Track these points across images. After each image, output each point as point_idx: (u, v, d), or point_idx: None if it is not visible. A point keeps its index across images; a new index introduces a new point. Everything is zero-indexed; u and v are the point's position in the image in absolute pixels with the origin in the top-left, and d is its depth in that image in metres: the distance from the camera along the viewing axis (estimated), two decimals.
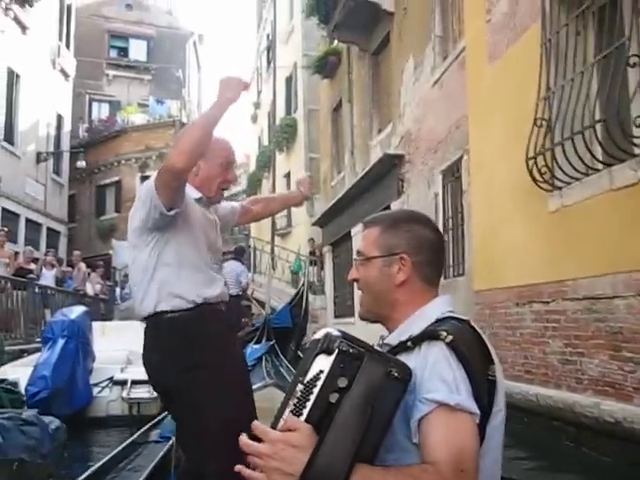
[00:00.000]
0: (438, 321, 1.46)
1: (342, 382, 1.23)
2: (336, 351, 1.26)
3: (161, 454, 3.90)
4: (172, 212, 2.43)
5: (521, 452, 5.54)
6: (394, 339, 1.52)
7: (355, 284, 1.65)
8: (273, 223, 21.27)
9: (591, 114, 5.37)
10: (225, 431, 2.20)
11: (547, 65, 5.88)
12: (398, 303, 1.55)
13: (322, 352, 1.29)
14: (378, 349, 1.39)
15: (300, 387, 1.28)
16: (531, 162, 5.86)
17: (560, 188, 5.69)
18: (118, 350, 8.85)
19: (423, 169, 10.39)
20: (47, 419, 4.38)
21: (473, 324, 1.47)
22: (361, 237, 1.64)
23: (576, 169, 5.34)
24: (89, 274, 16.92)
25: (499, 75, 7.02)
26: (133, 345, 9.27)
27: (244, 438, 1.27)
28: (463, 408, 1.28)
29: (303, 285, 14.05)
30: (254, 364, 9.10)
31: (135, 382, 7.25)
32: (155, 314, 2.53)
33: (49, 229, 23.43)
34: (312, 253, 19.42)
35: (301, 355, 11.54)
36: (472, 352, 1.36)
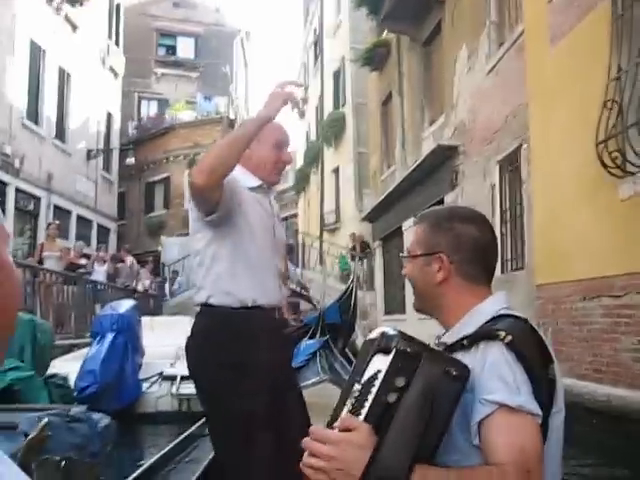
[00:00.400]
0: (494, 319, 1.43)
1: (400, 382, 1.23)
2: (394, 350, 1.26)
3: None
4: (209, 218, 2.44)
5: (589, 458, 5.20)
6: (450, 338, 1.50)
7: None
8: (322, 218, 21.08)
9: None
10: (246, 429, 2.37)
11: (618, 43, 5.52)
12: (442, 300, 1.55)
13: (379, 351, 1.29)
14: (435, 348, 1.40)
15: (357, 387, 1.28)
16: (601, 146, 5.51)
17: (633, 173, 5.32)
18: (167, 345, 8.71)
19: (478, 160, 10.03)
20: (96, 416, 4.20)
21: (530, 322, 1.43)
22: (413, 233, 1.64)
23: None
24: (138, 271, 16.95)
25: (563, 57, 6.66)
26: (182, 340, 9.16)
27: (307, 439, 1.26)
28: (525, 409, 1.26)
29: (352, 282, 13.79)
30: (308, 359, 8.93)
31: (184, 378, 7.08)
32: (206, 305, 2.54)
33: (99, 226, 23.63)
34: (354, 248, 19.15)
35: (348, 352, 11.74)
36: (531, 352, 1.34)
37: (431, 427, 1.22)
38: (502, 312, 1.45)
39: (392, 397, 1.23)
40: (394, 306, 15.22)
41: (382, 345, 1.29)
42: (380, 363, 1.27)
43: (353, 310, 13.43)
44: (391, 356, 1.25)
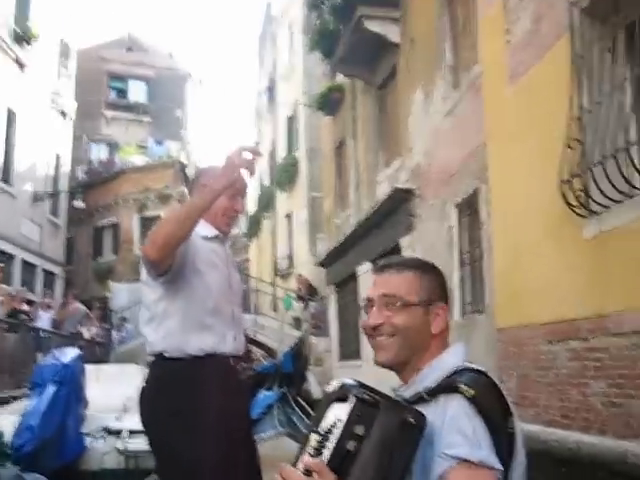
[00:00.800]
0: (455, 373, 1.43)
1: (360, 430, 1.24)
2: (353, 399, 1.27)
3: None
4: (161, 280, 2.47)
5: None
6: (409, 391, 1.50)
7: (372, 329, 1.56)
8: (275, 264, 20.78)
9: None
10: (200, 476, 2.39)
11: (578, 83, 5.46)
12: (428, 351, 1.52)
13: (338, 400, 1.29)
14: (393, 397, 1.39)
15: (316, 437, 1.28)
16: (565, 186, 5.38)
17: (597, 213, 5.20)
18: (113, 396, 8.25)
19: (435, 203, 9.92)
20: (32, 477, 3.80)
21: (490, 375, 1.44)
22: (384, 280, 1.58)
23: (618, 190, 4.86)
24: (86, 316, 16.36)
25: (522, 96, 6.59)
26: (130, 391, 8.72)
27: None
28: (485, 464, 1.27)
29: (305, 331, 13.46)
30: (265, 412, 8.56)
31: (133, 432, 6.63)
32: (159, 355, 2.55)
33: (45, 271, 22.90)
34: (300, 290, 18.91)
35: (301, 401, 10.73)
36: (492, 406, 1.35)
37: (390, 476, 1.23)
38: (463, 365, 1.45)
39: (351, 445, 1.23)
40: (349, 352, 14.90)
41: (341, 394, 1.29)
42: (340, 411, 1.27)
43: (305, 359, 12.99)
44: (351, 404, 1.25)
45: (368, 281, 13.55)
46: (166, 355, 2.51)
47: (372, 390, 1.31)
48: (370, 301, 1.58)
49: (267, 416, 8.44)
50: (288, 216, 22.74)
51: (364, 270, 13.76)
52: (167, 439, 2.48)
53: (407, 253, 10.97)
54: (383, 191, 12.31)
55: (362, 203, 14.19)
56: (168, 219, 2.40)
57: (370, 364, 1.70)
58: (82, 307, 14.76)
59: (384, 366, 1.56)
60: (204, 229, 2.61)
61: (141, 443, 6.71)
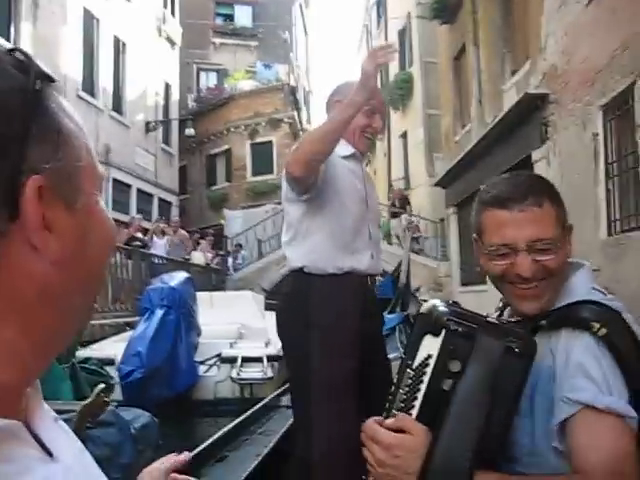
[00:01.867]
0: (583, 302, 1.27)
1: (455, 366, 1.12)
2: (443, 331, 1.15)
3: (291, 419, 3.41)
4: (303, 197, 2.49)
5: None
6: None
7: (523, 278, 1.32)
8: (390, 186, 19.95)
9: None
10: (329, 392, 2.38)
11: None
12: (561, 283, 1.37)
13: (428, 332, 1.18)
14: (492, 320, 1.23)
15: (410, 373, 1.18)
16: None
17: None
18: (228, 323, 7.86)
19: (574, 108, 8.75)
20: (129, 414, 3.26)
21: (621, 308, 1.27)
22: (532, 218, 1.31)
23: None
24: (198, 242, 16.20)
25: None
26: (245, 317, 8.31)
27: (365, 436, 1.18)
28: (614, 410, 1.13)
29: (404, 248, 12.48)
30: (388, 334, 8.10)
31: (247, 359, 6.20)
32: (299, 270, 2.56)
33: (161, 200, 23.04)
34: (393, 204, 17.91)
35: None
36: (626, 346, 1.20)
37: (495, 417, 1.11)
38: (592, 294, 1.29)
39: (447, 384, 1.12)
40: (472, 277, 14.02)
41: (431, 325, 1.17)
42: (431, 346, 1.15)
43: (406, 283, 11.86)
44: (441, 338, 1.14)
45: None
46: (305, 271, 2.53)
47: (466, 316, 1.17)
48: (511, 248, 1.33)
49: (389, 338, 7.97)
50: (403, 136, 21.72)
51: None
52: (301, 350, 2.49)
53: (541, 167, 9.90)
54: (511, 100, 11.14)
55: (485, 116, 13.04)
56: (311, 135, 2.40)
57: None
58: (185, 233, 14.51)
59: (536, 316, 1.34)
60: (341, 148, 2.54)
61: (256, 371, 6.32)
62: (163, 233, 13.89)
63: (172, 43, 24.46)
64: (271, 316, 11.30)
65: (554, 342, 1.24)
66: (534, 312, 1.35)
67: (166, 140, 24.03)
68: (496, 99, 12.41)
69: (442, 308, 1.19)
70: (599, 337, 1.19)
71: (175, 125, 24.94)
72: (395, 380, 1.25)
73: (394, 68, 22.25)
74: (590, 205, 8.11)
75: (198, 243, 16.19)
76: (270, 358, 6.36)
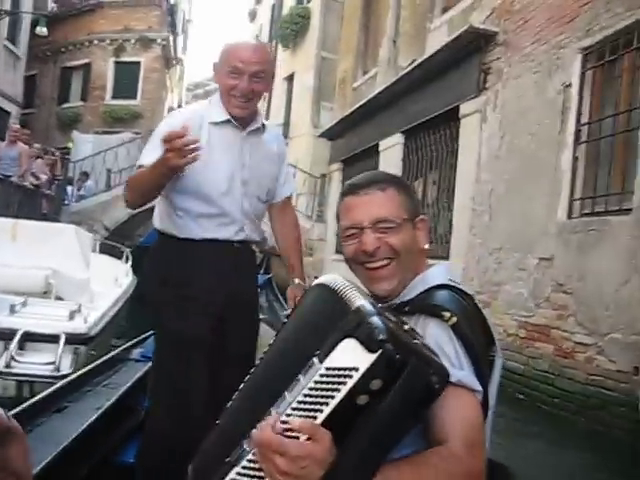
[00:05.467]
0: (437, 287, 1.38)
1: (376, 385, 1.04)
2: (379, 352, 1.04)
3: (140, 373, 3.35)
4: None
5: None
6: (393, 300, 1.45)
7: (369, 255, 1.45)
8: None
9: None
10: (179, 347, 2.39)
11: None
12: (418, 270, 1.48)
13: (353, 337, 1.06)
14: (422, 350, 1.12)
15: (319, 368, 1.08)
16: None
17: None
18: (32, 267, 5.34)
19: (535, 51, 6.84)
20: None
21: (475, 300, 1.39)
22: (375, 201, 1.46)
23: None
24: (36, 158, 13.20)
25: None
26: (61, 261, 5.80)
27: (258, 437, 1.09)
28: (464, 384, 1.23)
29: None
30: None
31: (32, 337, 3.81)
32: (158, 231, 2.57)
33: None
34: None
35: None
36: (474, 333, 1.30)
37: (398, 431, 1.12)
38: (448, 282, 1.40)
39: (362, 399, 1.05)
40: None
41: (361, 335, 1.05)
42: (357, 357, 1.05)
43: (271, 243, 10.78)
44: (374, 357, 1.04)
45: (395, 156, 10.63)
46: (162, 231, 2.52)
47: (401, 338, 1.07)
48: (358, 227, 1.46)
49: None
50: (289, 79, 19.36)
51: (391, 143, 10.80)
52: (157, 305, 2.49)
53: (471, 122, 8.02)
54: (437, 42, 9.16)
55: (399, 60, 11.00)
56: (130, 184, 2.41)
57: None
58: (24, 146, 11.51)
59: (388, 296, 1.45)
60: (215, 113, 2.48)
61: (41, 361, 3.95)
62: None
63: None
64: (111, 264, 8.67)
65: (413, 324, 1.26)
66: (384, 294, 1.44)
67: (12, 38, 20.28)
68: (417, 40, 10.39)
69: (377, 320, 1.06)
70: (450, 325, 1.26)
71: (26, 23, 21.20)
72: (274, 349, 1.31)
73: (290, 1, 19.79)
74: (545, 177, 6.27)
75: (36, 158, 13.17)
76: (72, 339, 4.00)
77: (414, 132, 9.99)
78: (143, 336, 4.44)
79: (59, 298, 5.42)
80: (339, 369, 1.06)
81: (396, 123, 10.51)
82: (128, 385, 3.22)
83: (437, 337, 1.26)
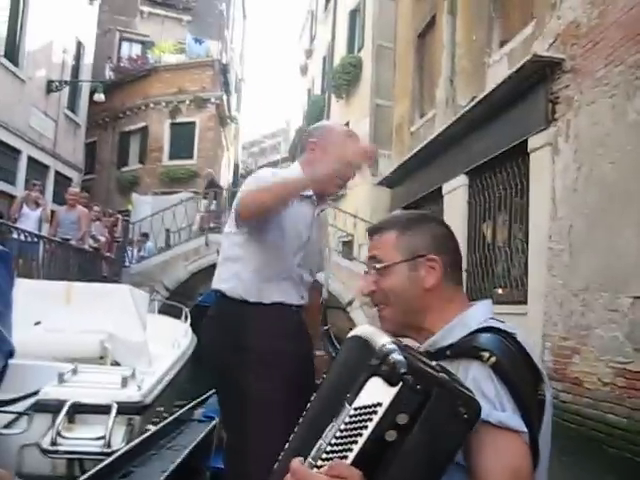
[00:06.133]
0: (478, 331, 1.33)
1: (402, 419, 1.06)
2: (400, 384, 1.06)
3: (203, 434, 3.26)
4: (244, 231, 2.49)
5: None
6: (432, 345, 1.41)
7: (368, 298, 1.53)
8: None
9: None
10: (265, 412, 2.38)
11: None
12: (429, 310, 1.44)
13: (378, 375, 1.08)
14: (446, 378, 1.12)
15: (349, 410, 1.08)
16: None
17: None
18: (87, 332, 5.03)
19: (609, 74, 6.37)
20: None
21: (519, 338, 1.31)
22: (371, 246, 1.53)
23: None
24: (96, 220, 13.19)
25: None
26: (116, 324, 5.50)
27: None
28: (507, 426, 1.19)
29: None
30: None
31: (81, 408, 3.45)
32: (223, 294, 2.55)
33: (58, 173, 19.64)
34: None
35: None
36: (517, 372, 1.24)
37: (433, 468, 1.10)
38: (489, 324, 1.35)
39: (391, 435, 1.05)
40: None
41: (385, 372, 1.07)
42: (380, 393, 1.06)
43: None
44: (396, 390, 1.05)
45: (459, 199, 10.15)
46: (228, 295, 2.52)
47: (422, 371, 1.09)
48: (366, 271, 1.53)
49: None
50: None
51: (454, 186, 10.34)
52: (230, 374, 2.48)
53: (542, 156, 7.51)
54: (497, 76, 8.75)
55: (457, 99, 10.62)
56: (268, 189, 2.34)
57: None
58: (84, 209, 11.46)
59: (395, 336, 1.27)
60: None
61: (91, 435, 3.57)
62: (36, 204, 10.78)
63: None
64: (170, 324, 8.33)
65: (455, 369, 1.25)
66: (392, 333, 1.32)
67: (72, 106, 20.66)
68: (475, 77, 10.00)
69: (397, 356, 1.08)
70: (489, 366, 1.22)
71: (85, 92, 21.60)
72: (317, 400, 1.29)
73: (341, 52, 19.75)
74: (633, 206, 5.72)
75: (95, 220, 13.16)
76: (124, 409, 3.62)
77: (479, 172, 9.52)
78: (204, 396, 4.26)
79: (116, 363, 5.10)
80: (365, 407, 1.07)
81: (459, 164, 10.07)
82: (192, 446, 3.15)
83: (476, 378, 1.23)
